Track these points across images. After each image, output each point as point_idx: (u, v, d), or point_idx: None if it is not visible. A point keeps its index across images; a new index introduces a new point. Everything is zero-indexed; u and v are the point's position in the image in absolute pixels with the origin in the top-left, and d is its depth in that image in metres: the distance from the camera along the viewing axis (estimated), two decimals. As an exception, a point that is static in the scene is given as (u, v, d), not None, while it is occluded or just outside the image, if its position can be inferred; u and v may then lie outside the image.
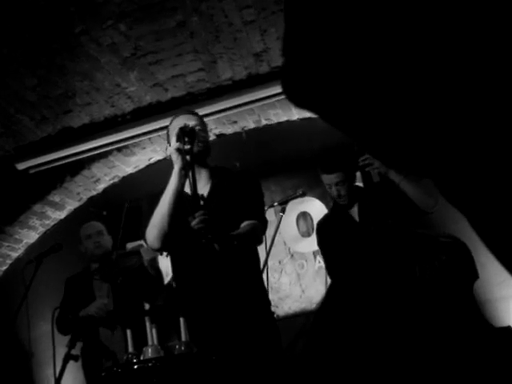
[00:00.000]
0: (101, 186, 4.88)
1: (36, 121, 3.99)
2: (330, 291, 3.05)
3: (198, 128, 2.51)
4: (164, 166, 4.32)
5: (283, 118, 4.51)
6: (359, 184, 3.35)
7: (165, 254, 3.02)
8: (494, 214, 0.55)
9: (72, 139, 4.20)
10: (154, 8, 3.09)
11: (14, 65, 3.36)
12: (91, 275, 3.74)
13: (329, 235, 3.37)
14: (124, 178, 4.87)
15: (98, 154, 4.39)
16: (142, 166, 4.82)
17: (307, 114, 4.38)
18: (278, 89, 3.80)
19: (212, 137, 4.43)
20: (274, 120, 4.53)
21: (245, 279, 2.45)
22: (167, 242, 2.47)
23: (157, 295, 3.71)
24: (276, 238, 3.61)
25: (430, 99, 0.52)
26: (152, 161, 4.79)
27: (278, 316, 4.46)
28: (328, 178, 3.27)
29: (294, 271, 5.03)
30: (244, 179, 2.61)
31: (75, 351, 3.09)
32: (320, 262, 4.83)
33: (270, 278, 4.47)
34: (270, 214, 3.85)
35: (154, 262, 3.52)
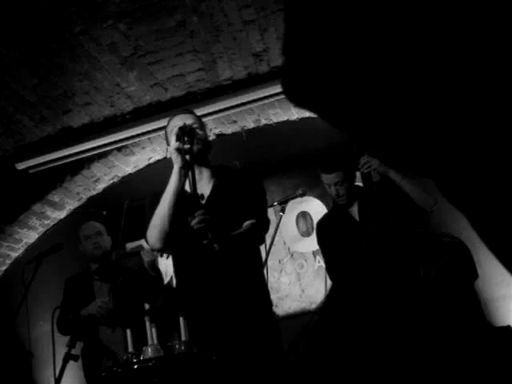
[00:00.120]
0: (100, 186, 4.88)
1: (36, 121, 3.99)
2: (333, 291, 3.05)
3: (195, 126, 2.51)
4: (164, 165, 4.33)
5: (283, 118, 4.51)
6: (359, 184, 3.35)
7: (165, 255, 3.02)
8: (493, 214, 0.55)
9: (72, 139, 4.20)
10: (153, 8, 3.09)
11: (14, 64, 3.36)
12: (91, 275, 3.74)
13: (329, 235, 3.37)
14: (124, 177, 4.87)
15: (97, 153, 4.39)
16: (141, 165, 4.82)
17: (307, 114, 4.38)
18: (277, 88, 3.81)
19: (212, 136, 4.43)
20: (274, 120, 4.53)
21: (246, 279, 2.44)
22: (168, 242, 2.46)
23: (157, 296, 3.71)
24: (276, 238, 3.61)
25: (429, 99, 0.52)
26: (152, 160, 4.79)
27: (277, 316, 4.46)
28: (327, 178, 3.27)
29: (294, 271, 5.03)
30: (246, 178, 2.60)
31: (75, 351, 3.09)
32: (320, 261, 4.83)
33: (270, 278, 4.46)
34: (270, 214, 3.84)
35: (153, 264, 3.51)
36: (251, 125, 4.57)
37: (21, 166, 4.29)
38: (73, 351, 3.06)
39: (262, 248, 2.73)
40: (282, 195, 4.25)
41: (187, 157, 2.37)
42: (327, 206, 4.67)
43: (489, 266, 3.41)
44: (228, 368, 2.29)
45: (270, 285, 2.85)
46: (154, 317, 2.80)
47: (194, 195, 2.29)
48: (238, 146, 4.55)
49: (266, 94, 3.95)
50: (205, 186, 2.53)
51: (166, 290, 4.36)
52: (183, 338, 2.61)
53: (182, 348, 2.58)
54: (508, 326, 2.72)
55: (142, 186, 4.66)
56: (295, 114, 4.44)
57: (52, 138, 4.21)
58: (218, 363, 2.29)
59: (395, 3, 0.52)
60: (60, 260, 4.04)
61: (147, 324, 2.70)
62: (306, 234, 5.08)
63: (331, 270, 3.34)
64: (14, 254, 4.96)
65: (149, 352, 2.57)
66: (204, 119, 3.33)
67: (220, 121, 4.36)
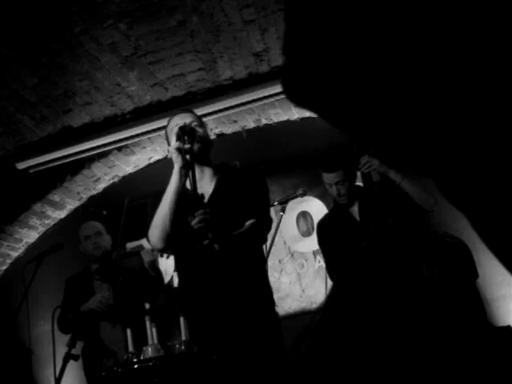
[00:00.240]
0: (101, 186, 4.88)
1: (36, 120, 3.99)
2: (335, 290, 3.05)
3: (195, 124, 2.50)
4: (164, 165, 4.33)
5: (283, 118, 4.51)
6: (359, 183, 3.35)
7: (165, 255, 3.01)
8: (493, 214, 0.55)
9: (72, 139, 4.20)
10: (153, 7, 3.09)
11: (14, 64, 3.36)
12: (91, 275, 3.74)
13: (329, 235, 3.37)
14: (124, 177, 4.87)
15: (98, 153, 4.39)
16: (142, 165, 4.82)
17: (307, 114, 4.38)
18: (278, 88, 3.81)
19: (212, 136, 4.43)
20: (274, 119, 4.53)
21: (248, 278, 2.43)
22: (170, 242, 2.45)
23: (157, 295, 3.71)
24: (276, 238, 3.61)
25: (429, 99, 0.52)
26: (152, 160, 4.79)
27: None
28: (328, 177, 3.27)
29: (294, 271, 5.03)
30: (249, 176, 2.58)
31: (75, 351, 3.10)
32: (320, 261, 4.83)
33: (270, 278, 4.46)
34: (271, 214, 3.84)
35: (154, 264, 3.51)
36: (252, 125, 4.57)
37: (21, 165, 4.29)
38: (73, 351, 3.06)
39: (264, 247, 2.72)
40: (282, 195, 4.25)
41: (187, 156, 2.36)
42: (327, 205, 4.67)
43: (489, 265, 3.40)
44: (230, 368, 2.28)
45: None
46: (154, 316, 2.80)
47: (194, 195, 2.29)
48: (239, 145, 4.55)
49: (267, 93, 3.95)
50: (207, 185, 2.51)
51: (166, 289, 4.36)
52: (183, 337, 2.61)
53: (183, 348, 2.58)
54: (508, 326, 2.72)
55: (142, 185, 4.67)
56: (296, 113, 4.44)
57: (52, 137, 4.21)
58: (219, 363, 2.29)
59: (395, 3, 0.52)
60: (60, 260, 4.04)
61: (147, 324, 2.70)
62: (307, 233, 5.08)
63: (331, 270, 3.34)
64: (15, 254, 4.96)
65: (149, 352, 2.57)
66: (204, 119, 3.33)
67: (220, 120, 4.36)
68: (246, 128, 4.60)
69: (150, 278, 3.55)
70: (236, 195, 2.47)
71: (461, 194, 0.56)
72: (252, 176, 2.58)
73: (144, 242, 4.49)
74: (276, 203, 3.77)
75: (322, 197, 4.91)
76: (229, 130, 4.57)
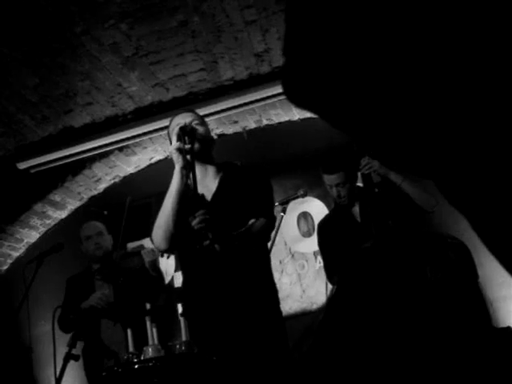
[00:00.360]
0: (102, 186, 4.88)
1: (37, 120, 4.00)
2: (338, 291, 3.04)
3: (196, 123, 2.49)
4: (165, 165, 4.32)
5: (284, 118, 4.51)
6: (360, 184, 3.35)
7: (165, 255, 3.00)
8: (494, 215, 0.55)
9: (73, 139, 4.21)
10: (155, 8, 3.09)
11: (15, 64, 3.36)
12: (92, 275, 3.74)
13: (330, 236, 3.37)
14: (125, 177, 4.87)
15: (99, 153, 4.39)
16: (143, 165, 4.82)
17: (308, 114, 4.38)
18: (279, 89, 3.81)
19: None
20: (275, 120, 4.53)
21: (251, 278, 2.41)
22: (174, 243, 2.43)
23: (158, 295, 3.71)
24: (277, 238, 3.61)
25: (430, 100, 0.52)
26: (153, 160, 4.79)
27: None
28: (329, 179, 3.27)
29: (295, 271, 5.03)
30: (253, 174, 2.56)
31: (76, 351, 3.09)
32: (321, 262, 4.83)
33: (271, 278, 4.46)
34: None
35: (154, 264, 3.51)
36: (252, 125, 4.57)
37: (22, 165, 4.30)
38: (73, 351, 3.06)
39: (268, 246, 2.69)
40: (283, 195, 4.25)
41: (188, 156, 2.36)
42: (328, 206, 4.67)
43: (490, 267, 3.40)
44: (233, 368, 2.27)
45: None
46: (154, 317, 2.80)
47: (195, 195, 2.28)
48: (240, 146, 4.55)
49: (268, 94, 3.96)
50: (211, 183, 2.50)
51: (166, 290, 4.36)
52: (184, 338, 2.61)
53: (183, 348, 2.58)
54: (508, 327, 2.71)
55: (143, 186, 4.67)
56: (296, 114, 4.44)
57: (53, 137, 4.22)
58: (219, 363, 2.29)
59: (395, 4, 0.52)
60: (61, 259, 4.05)
61: (148, 324, 2.70)
62: (307, 234, 5.08)
63: (330, 271, 3.34)
64: (16, 254, 4.96)
65: (149, 352, 2.57)
66: (205, 119, 3.33)
67: (221, 121, 4.36)
68: (247, 128, 4.60)
69: (151, 277, 3.55)
70: (240, 193, 2.46)
71: (461, 195, 0.56)
72: (256, 174, 2.57)
73: (144, 241, 4.49)
74: (277, 204, 3.77)
75: (323, 197, 4.90)
76: (230, 130, 4.57)
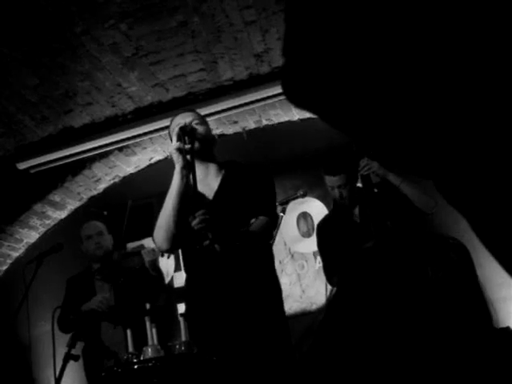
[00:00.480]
0: (101, 186, 4.88)
1: (37, 120, 4.00)
2: (339, 291, 3.04)
3: (196, 122, 2.48)
4: (165, 165, 4.32)
5: (284, 119, 4.51)
6: (359, 185, 3.35)
7: (166, 255, 3.00)
8: (493, 216, 0.55)
9: (73, 139, 4.21)
10: (155, 8, 3.09)
11: (15, 64, 3.36)
12: (93, 275, 3.74)
13: (329, 236, 3.37)
14: (125, 177, 4.87)
15: (98, 153, 4.39)
16: (142, 165, 4.82)
17: (308, 115, 4.38)
18: (278, 89, 3.80)
19: (213, 137, 4.43)
20: (275, 120, 4.53)
21: (254, 277, 2.39)
22: (175, 243, 2.42)
23: (158, 295, 3.71)
24: (276, 238, 3.61)
25: (430, 100, 0.52)
26: (153, 161, 4.79)
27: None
28: (331, 180, 3.27)
29: (295, 271, 5.03)
30: (256, 172, 2.55)
31: (75, 351, 3.09)
32: (320, 262, 4.83)
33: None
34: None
35: (154, 264, 3.51)
36: (252, 125, 4.57)
37: (22, 165, 4.30)
38: (73, 351, 3.05)
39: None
40: (282, 196, 4.25)
41: (188, 156, 2.35)
42: (328, 207, 4.67)
43: (489, 267, 3.40)
44: (236, 368, 2.25)
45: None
46: (154, 317, 2.80)
47: (194, 195, 2.28)
48: (239, 146, 4.55)
49: (268, 94, 3.96)
50: (213, 181, 2.49)
51: (167, 289, 4.36)
52: (183, 338, 2.60)
53: (183, 348, 2.58)
54: (508, 328, 2.71)
55: (143, 186, 4.67)
56: (296, 114, 4.44)
57: (53, 137, 4.22)
58: (219, 363, 2.28)
59: (395, 4, 0.52)
60: (60, 260, 4.05)
61: (147, 324, 2.70)
62: (307, 234, 5.08)
63: (329, 271, 3.34)
64: (15, 254, 4.96)
65: (149, 352, 2.57)
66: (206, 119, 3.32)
67: (221, 121, 4.36)
68: (247, 129, 4.60)
69: (151, 277, 3.55)
70: (242, 191, 2.44)
71: (461, 195, 0.56)
72: (258, 172, 2.55)
73: (144, 241, 4.49)
74: (276, 204, 3.77)
75: (323, 198, 4.91)
76: (229, 130, 4.57)
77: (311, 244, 4.74)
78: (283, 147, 4.81)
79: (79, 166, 4.50)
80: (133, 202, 3.51)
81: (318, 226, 3.56)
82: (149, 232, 2.51)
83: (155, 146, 4.57)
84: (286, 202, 3.76)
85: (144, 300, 3.49)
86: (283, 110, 4.34)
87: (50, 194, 4.55)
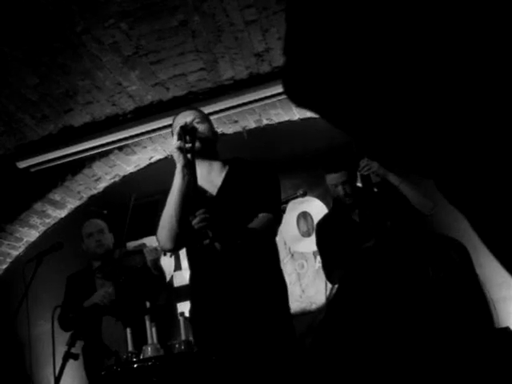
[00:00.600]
0: (101, 185, 4.88)
1: (37, 119, 4.00)
2: (340, 290, 3.04)
3: (197, 121, 2.48)
4: (165, 165, 4.32)
5: (284, 118, 4.51)
6: (359, 185, 3.35)
7: (168, 254, 2.99)
8: (494, 215, 0.55)
9: (73, 138, 4.21)
10: (155, 7, 3.09)
11: (16, 63, 3.36)
12: (93, 273, 3.73)
13: (328, 235, 3.37)
14: (125, 176, 4.88)
15: (98, 152, 4.39)
16: (142, 165, 4.82)
17: (308, 114, 4.38)
18: (279, 89, 3.81)
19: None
20: (275, 120, 4.53)
21: (258, 275, 2.37)
22: (179, 242, 2.41)
23: (158, 294, 3.71)
24: (276, 238, 3.61)
25: (430, 100, 0.52)
26: (153, 160, 4.80)
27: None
28: (333, 178, 3.26)
29: (294, 271, 5.03)
30: (260, 169, 2.54)
31: (75, 350, 3.09)
32: (320, 262, 4.83)
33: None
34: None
35: (157, 263, 3.50)
36: (252, 125, 4.57)
37: (22, 164, 4.30)
38: (72, 350, 3.05)
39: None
40: (282, 195, 4.24)
41: (189, 155, 2.35)
42: (328, 206, 4.67)
43: (489, 267, 3.40)
44: (240, 366, 2.24)
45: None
46: (154, 316, 2.80)
47: (195, 194, 2.27)
48: (240, 145, 4.55)
49: (268, 94, 3.96)
50: (216, 178, 2.48)
51: (167, 288, 4.36)
52: (183, 337, 2.61)
53: (182, 347, 2.58)
54: (507, 328, 2.71)
55: (142, 185, 4.67)
56: (297, 114, 4.44)
57: (53, 136, 4.22)
58: (218, 362, 2.28)
59: (396, 4, 0.52)
60: (60, 259, 4.05)
61: (147, 323, 2.70)
62: (307, 234, 5.08)
63: (329, 269, 3.34)
64: (15, 253, 4.96)
65: (148, 351, 2.57)
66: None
67: (221, 121, 4.36)
68: (247, 128, 4.60)
69: (153, 276, 3.55)
70: (246, 187, 2.43)
71: (461, 195, 0.56)
72: (263, 168, 2.54)
73: (144, 240, 4.49)
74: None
75: (323, 197, 4.90)
76: (230, 130, 4.58)
77: (311, 243, 4.74)
78: (283, 147, 4.81)
79: (79, 165, 4.50)
80: (135, 198, 3.50)
81: (318, 224, 3.55)
82: (149, 231, 2.51)
83: (155, 145, 4.57)
84: (285, 202, 3.75)
85: (145, 299, 3.49)
86: (283, 110, 4.34)
87: (50, 192, 4.55)
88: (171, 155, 2.43)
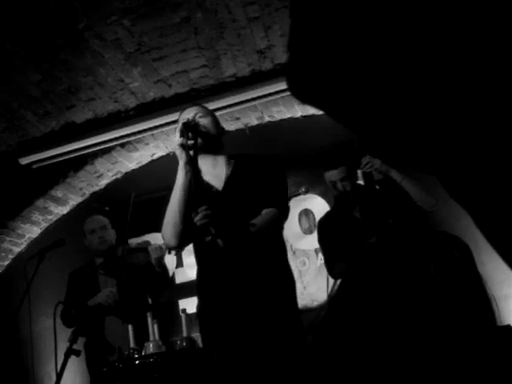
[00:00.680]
0: (103, 182, 4.89)
1: (39, 116, 4.00)
2: (342, 286, 3.03)
3: (199, 116, 2.47)
4: (167, 161, 4.32)
5: (286, 115, 4.51)
6: (360, 182, 3.35)
7: (172, 252, 2.98)
8: (496, 212, 0.55)
9: (75, 134, 4.21)
10: (158, 4, 3.09)
11: (18, 60, 3.36)
12: (96, 269, 3.73)
13: (330, 232, 3.37)
14: (127, 173, 4.88)
15: (100, 149, 4.39)
16: (144, 161, 4.82)
17: (310, 112, 4.38)
18: (281, 86, 3.80)
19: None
20: (277, 117, 4.53)
21: (263, 270, 2.35)
22: (184, 239, 2.41)
23: (161, 292, 3.71)
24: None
25: (433, 96, 0.52)
26: (155, 157, 4.80)
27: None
28: (332, 175, 3.26)
29: (296, 268, 5.03)
30: (266, 163, 2.52)
31: (77, 346, 3.10)
32: (322, 259, 4.83)
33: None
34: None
35: (161, 261, 3.51)
36: (254, 122, 4.57)
37: (24, 161, 4.30)
38: (74, 346, 3.06)
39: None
40: (284, 193, 4.24)
41: (191, 152, 2.34)
42: (330, 203, 4.67)
43: (491, 265, 3.40)
44: (247, 362, 2.23)
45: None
46: (155, 313, 2.80)
47: (196, 191, 2.27)
48: (241, 143, 4.55)
49: (270, 91, 3.95)
50: (222, 172, 2.46)
51: (170, 286, 4.36)
52: (185, 334, 2.61)
53: (184, 344, 2.58)
54: (508, 326, 2.71)
55: (144, 182, 4.67)
56: (299, 111, 4.44)
57: (55, 133, 4.22)
58: (220, 359, 2.28)
59: (398, 2, 0.52)
60: (62, 255, 4.05)
61: (149, 320, 2.70)
62: (309, 231, 5.08)
63: (331, 263, 3.33)
64: (17, 249, 4.97)
65: (150, 348, 2.58)
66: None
67: (223, 117, 4.36)
68: (249, 125, 4.60)
69: (156, 274, 3.55)
70: (252, 181, 2.42)
71: (464, 191, 0.56)
72: (269, 163, 2.52)
73: (146, 237, 4.49)
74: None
75: (325, 195, 4.90)
76: (232, 127, 4.57)
77: (313, 241, 4.74)
78: (285, 144, 4.81)
79: (81, 162, 4.51)
80: (136, 194, 3.50)
81: (320, 221, 3.55)
82: (151, 228, 2.50)
83: (157, 142, 4.57)
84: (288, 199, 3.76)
85: (148, 296, 3.49)
86: (286, 107, 4.34)
87: (52, 189, 4.56)
88: (173, 152, 2.42)
